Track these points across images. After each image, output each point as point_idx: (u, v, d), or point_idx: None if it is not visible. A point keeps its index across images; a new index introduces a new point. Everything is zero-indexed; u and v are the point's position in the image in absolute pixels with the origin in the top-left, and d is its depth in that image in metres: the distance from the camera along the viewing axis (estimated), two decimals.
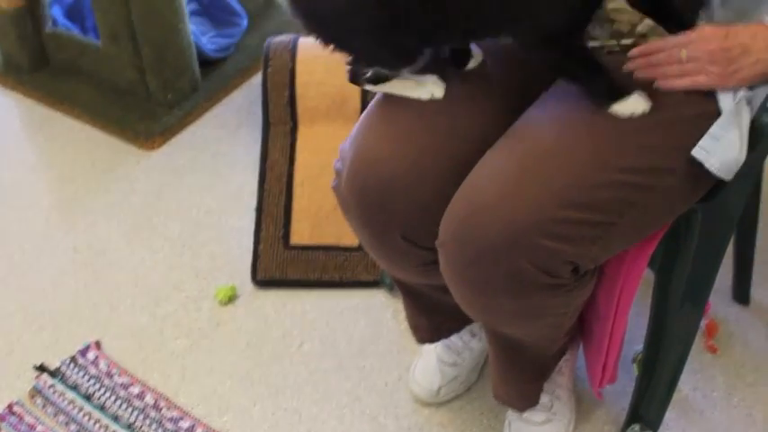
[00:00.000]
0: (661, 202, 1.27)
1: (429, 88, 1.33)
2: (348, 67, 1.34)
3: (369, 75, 1.34)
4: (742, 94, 1.26)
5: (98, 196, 2.26)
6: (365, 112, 1.40)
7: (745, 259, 1.84)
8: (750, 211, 1.75)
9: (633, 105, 1.23)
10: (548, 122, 1.28)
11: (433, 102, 1.33)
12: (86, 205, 2.23)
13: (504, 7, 1.20)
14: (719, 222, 1.44)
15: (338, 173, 1.38)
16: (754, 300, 1.91)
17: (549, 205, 1.19)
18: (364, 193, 1.33)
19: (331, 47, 1.26)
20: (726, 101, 1.25)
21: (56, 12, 2.61)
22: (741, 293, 1.89)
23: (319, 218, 2.02)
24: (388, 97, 1.38)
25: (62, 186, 2.29)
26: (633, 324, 1.68)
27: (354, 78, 1.35)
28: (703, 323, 1.80)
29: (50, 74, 2.59)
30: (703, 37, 1.23)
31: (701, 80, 1.25)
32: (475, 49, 1.39)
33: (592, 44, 1.37)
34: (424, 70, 1.34)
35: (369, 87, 1.35)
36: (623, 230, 1.25)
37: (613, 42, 1.35)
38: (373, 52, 1.27)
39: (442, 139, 1.31)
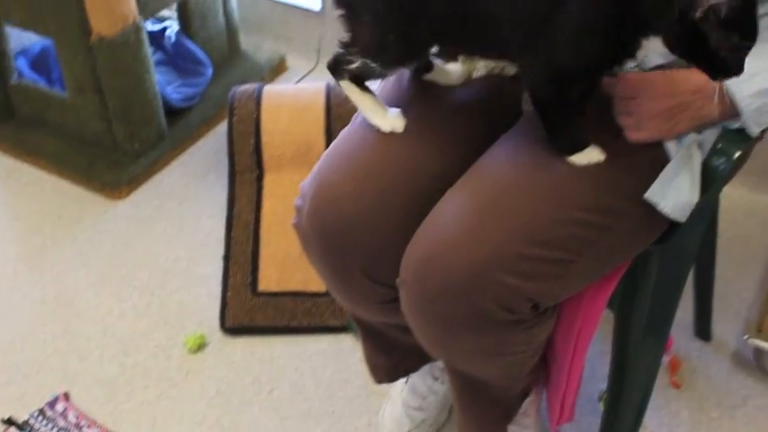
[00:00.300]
0: (618, 241, 1.30)
1: (390, 121, 1.35)
2: (335, 52, 1.32)
3: (353, 67, 1.31)
4: (693, 137, 1.30)
5: (65, 247, 2.25)
6: (326, 151, 1.42)
7: (705, 296, 1.88)
8: (707, 248, 1.78)
9: (588, 156, 1.27)
10: (507, 162, 1.30)
11: (394, 141, 1.34)
12: (54, 256, 2.23)
13: (526, 35, 1.19)
14: (676, 262, 1.47)
15: (299, 210, 1.39)
16: (716, 335, 1.94)
17: (510, 242, 1.21)
18: (325, 231, 1.34)
19: (340, 11, 1.27)
20: (672, 146, 1.29)
21: (21, 64, 2.61)
22: (702, 329, 1.92)
23: (287, 264, 2.04)
24: (349, 136, 1.40)
25: (29, 237, 2.29)
26: (598, 362, 1.71)
27: (335, 66, 1.33)
28: (666, 359, 1.83)
29: (16, 125, 2.58)
30: (651, 94, 1.28)
31: (642, 135, 1.29)
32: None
33: None
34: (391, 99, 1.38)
35: (343, 85, 1.34)
36: (582, 268, 1.28)
37: None
38: (379, 34, 1.26)
39: (404, 178, 1.33)
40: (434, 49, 1.32)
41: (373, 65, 1.29)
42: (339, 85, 1.35)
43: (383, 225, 1.32)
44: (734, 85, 1.25)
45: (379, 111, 1.35)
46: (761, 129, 1.29)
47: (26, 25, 2.38)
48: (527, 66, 1.25)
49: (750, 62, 1.19)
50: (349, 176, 1.33)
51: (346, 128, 1.44)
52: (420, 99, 1.41)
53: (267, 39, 2.86)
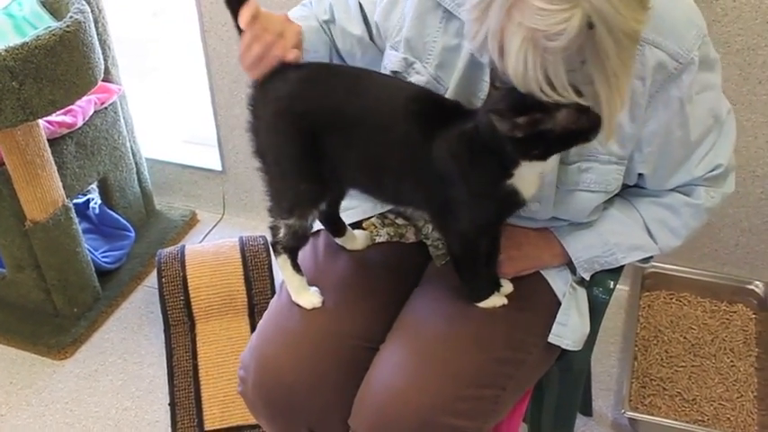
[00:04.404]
0: (531, 369, 1.26)
1: (310, 299, 1.26)
2: (270, 233, 1.25)
3: (281, 237, 1.22)
4: (571, 278, 1.28)
5: (21, 411, 2.03)
6: (261, 323, 1.31)
7: (586, 383, 1.83)
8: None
9: (493, 301, 1.23)
10: (431, 315, 1.24)
11: (319, 311, 1.26)
12: (11, 422, 2.00)
13: (430, 198, 1.14)
14: (574, 370, 1.43)
15: (243, 380, 1.27)
16: (595, 410, 1.90)
17: (448, 388, 1.14)
18: (270, 399, 1.23)
19: (258, 161, 1.18)
20: (558, 289, 1.26)
21: None
22: (585, 408, 1.88)
23: (227, 402, 1.89)
24: (279, 309, 1.30)
25: None
26: None
27: (273, 246, 1.25)
28: None
29: None
30: (510, 243, 1.27)
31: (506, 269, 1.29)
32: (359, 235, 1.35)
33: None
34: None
35: (279, 262, 1.25)
36: (507, 399, 1.23)
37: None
38: (293, 184, 1.17)
39: (334, 343, 1.24)
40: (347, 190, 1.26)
41: (292, 220, 1.19)
42: (278, 262, 1.26)
43: (322, 387, 1.22)
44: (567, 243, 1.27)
45: (302, 291, 1.27)
46: (589, 273, 1.29)
47: None
48: (441, 225, 1.20)
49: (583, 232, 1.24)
50: (285, 348, 1.23)
51: (275, 300, 1.34)
52: (335, 269, 1.33)
53: (178, 197, 2.73)
